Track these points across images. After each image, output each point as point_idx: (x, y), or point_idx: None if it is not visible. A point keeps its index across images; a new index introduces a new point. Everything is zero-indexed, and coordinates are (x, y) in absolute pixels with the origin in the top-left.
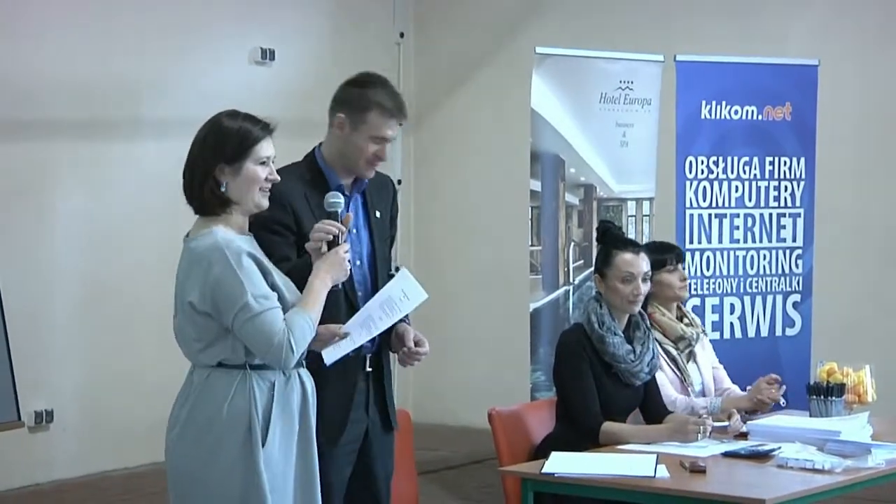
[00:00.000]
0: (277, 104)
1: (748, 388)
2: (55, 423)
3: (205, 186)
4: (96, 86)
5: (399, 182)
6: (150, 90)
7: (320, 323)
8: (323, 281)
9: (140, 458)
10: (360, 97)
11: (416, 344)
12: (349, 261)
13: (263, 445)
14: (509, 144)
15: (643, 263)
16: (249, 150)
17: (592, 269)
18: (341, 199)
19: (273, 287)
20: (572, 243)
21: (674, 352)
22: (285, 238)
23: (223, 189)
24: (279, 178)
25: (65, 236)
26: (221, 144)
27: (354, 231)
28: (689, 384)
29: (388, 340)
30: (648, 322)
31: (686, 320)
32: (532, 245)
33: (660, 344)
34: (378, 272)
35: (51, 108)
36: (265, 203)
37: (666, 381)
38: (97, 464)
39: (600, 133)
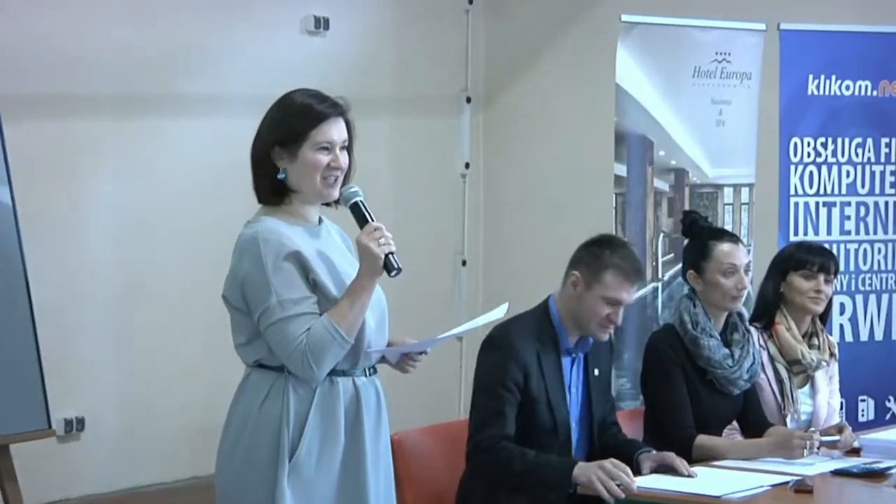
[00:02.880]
0: (331, 79)
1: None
2: (87, 433)
3: (260, 171)
4: (132, 57)
5: (467, 166)
6: (191, 62)
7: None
8: (354, 281)
9: (180, 473)
10: (598, 257)
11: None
12: (380, 240)
13: (291, 458)
14: (591, 124)
15: (743, 254)
16: (308, 131)
17: (680, 266)
18: (358, 188)
19: (315, 285)
20: (661, 234)
21: (784, 372)
22: (512, 395)
23: (281, 175)
24: (345, 165)
25: (98, 225)
26: (281, 124)
27: (573, 391)
28: (793, 412)
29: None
30: (748, 323)
31: (816, 341)
32: None
33: (772, 360)
34: (593, 433)
35: (82, 83)
36: (333, 193)
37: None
38: (133, 478)
39: (693, 111)
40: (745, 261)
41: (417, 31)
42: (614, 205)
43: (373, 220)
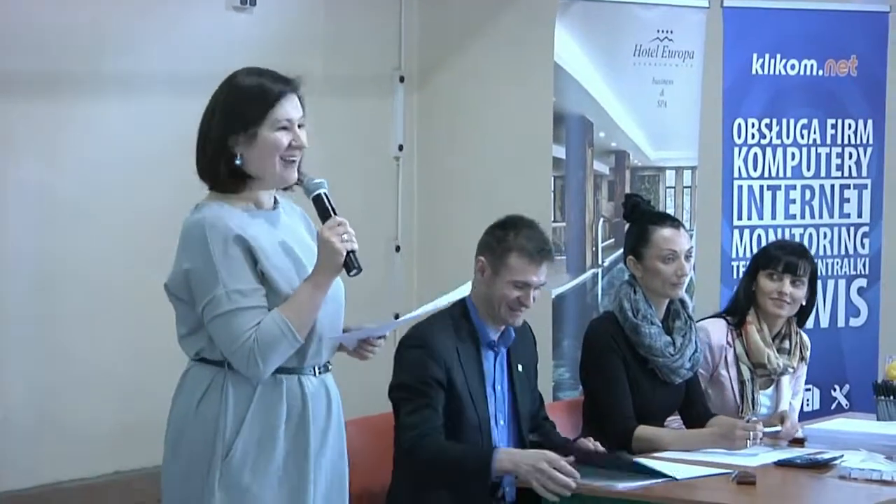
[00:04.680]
0: (258, 57)
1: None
2: (3, 427)
3: (219, 160)
4: (51, 36)
5: (400, 148)
6: (113, 40)
7: None
8: (311, 276)
9: (102, 468)
10: (501, 240)
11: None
12: (343, 236)
13: (225, 458)
14: (528, 105)
15: (684, 240)
16: (266, 112)
17: (621, 251)
18: (323, 180)
19: (264, 277)
20: (601, 219)
21: (747, 373)
22: (434, 391)
23: (238, 161)
24: (305, 143)
25: (16, 210)
26: (234, 107)
27: (498, 388)
28: (750, 414)
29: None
30: (691, 311)
31: (788, 344)
32: (555, 221)
33: (737, 359)
34: (521, 428)
35: None
36: (292, 176)
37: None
38: (52, 473)
39: (634, 91)
40: (686, 246)
41: (349, 8)
42: (553, 188)
43: (336, 215)
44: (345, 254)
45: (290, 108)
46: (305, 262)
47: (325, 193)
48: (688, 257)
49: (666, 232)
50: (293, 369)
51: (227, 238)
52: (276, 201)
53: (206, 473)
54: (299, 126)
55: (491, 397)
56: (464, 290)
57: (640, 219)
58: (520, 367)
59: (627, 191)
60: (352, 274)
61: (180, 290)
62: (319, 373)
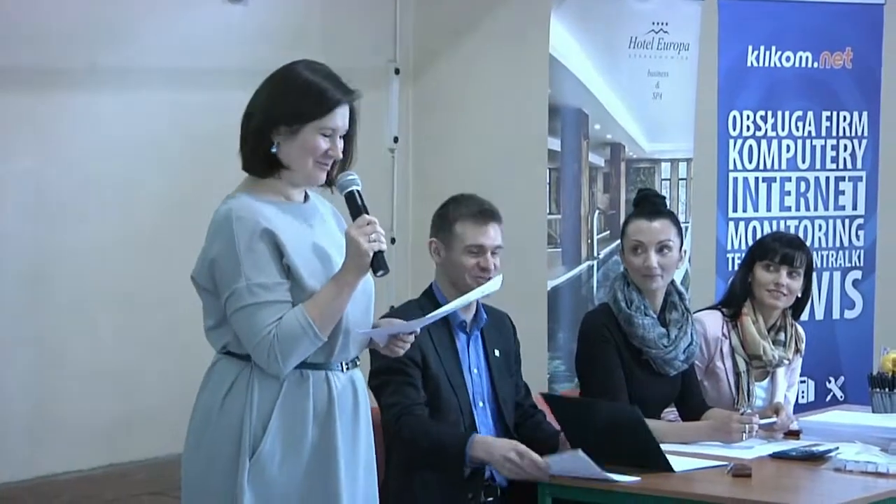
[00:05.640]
0: (252, 51)
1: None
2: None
3: (258, 143)
4: (46, 29)
5: (395, 140)
6: (107, 33)
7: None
8: (338, 274)
9: (96, 460)
10: (443, 216)
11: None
12: (371, 236)
13: (252, 456)
14: (524, 97)
15: (658, 231)
16: (317, 117)
17: (616, 243)
18: (356, 177)
19: (290, 271)
20: (597, 211)
21: (742, 365)
22: (411, 368)
23: (274, 149)
24: (341, 155)
25: (11, 204)
26: (287, 99)
27: (475, 371)
28: (746, 406)
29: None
30: (688, 303)
31: (783, 336)
32: (550, 213)
33: (733, 351)
34: (503, 412)
35: None
36: (320, 178)
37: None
38: (46, 466)
39: (630, 84)
40: (661, 238)
41: (344, 0)
42: (548, 180)
43: (367, 213)
44: (371, 254)
45: (339, 118)
46: (334, 258)
47: (357, 191)
48: (661, 249)
49: (638, 222)
50: (320, 365)
51: (254, 231)
52: (306, 195)
53: (234, 470)
54: (340, 136)
55: (469, 380)
56: (494, 285)
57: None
58: (496, 352)
59: (623, 183)
60: (378, 274)
61: (206, 280)
62: (347, 368)
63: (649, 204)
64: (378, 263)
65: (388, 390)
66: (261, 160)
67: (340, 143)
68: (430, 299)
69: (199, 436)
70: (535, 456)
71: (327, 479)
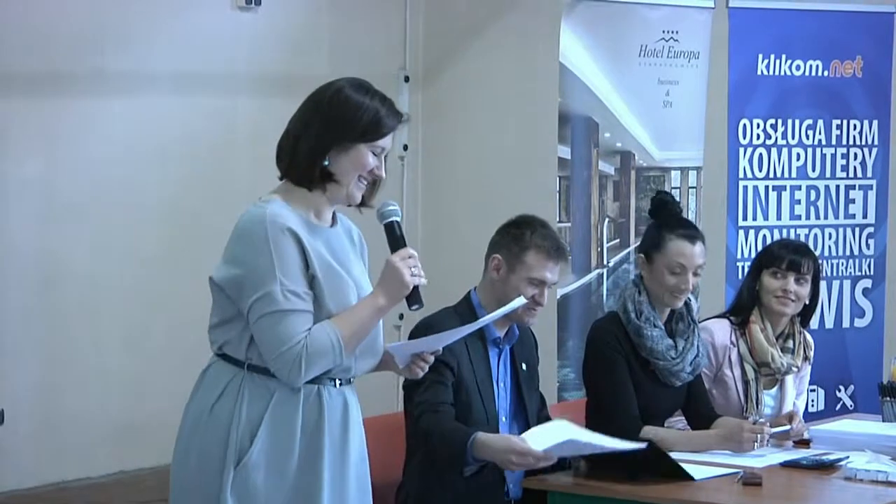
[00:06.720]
0: (262, 57)
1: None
2: (6, 426)
3: (313, 163)
4: (55, 34)
5: (405, 147)
6: (117, 38)
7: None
8: (374, 298)
9: (105, 467)
10: (518, 238)
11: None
12: (413, 269)
13: (238, 464)
14: (534, 105)
15: (698, 256)
16: (373, 140)
17: (635, 247)
18: (397, 206)
19: (312, 282)
20: (607, 219)
21: (751, 373)
22: (445, 370)
23: (326, 162)
24: (383, 176)
25: (18, 208)
26: (348, 120)
27: (501, 385)
28: (755, 414)
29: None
30: (695, 314)
31: (792, 343)
32: (560, 221)
33: (741, 358)
34: (531, 426)
35: (2, 60)
36: (357, 196)
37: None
38: (55, 472)
39: (640, 92)
40: (698, 262)
41: (354, 7)
42: (558, 188)
43: (406, 245)
44: (411, 288)
45: (390, 140)
46: (360, 278)
47: (397, 222)
48: (696, 273)
49: (682, 245)
50: (313, 379)
51: (290, 238)
52: (334, 217)
53: (219, 478)
54: (385, 157)
55: (496, 394)
56: (519, 301)
57: (663, 220)
58: (524, 366)
59: (632, 191)
60: (413, 308)
61: (228, 281)
62: (340, 384)
63: (673, 217)
64: (414, 297)
65: (420, 388)
66: (313, 172)
67: (384, 164)
68: (469, 309)
69: (187, 444)
70: (534, 451)
71: (311, 496)
